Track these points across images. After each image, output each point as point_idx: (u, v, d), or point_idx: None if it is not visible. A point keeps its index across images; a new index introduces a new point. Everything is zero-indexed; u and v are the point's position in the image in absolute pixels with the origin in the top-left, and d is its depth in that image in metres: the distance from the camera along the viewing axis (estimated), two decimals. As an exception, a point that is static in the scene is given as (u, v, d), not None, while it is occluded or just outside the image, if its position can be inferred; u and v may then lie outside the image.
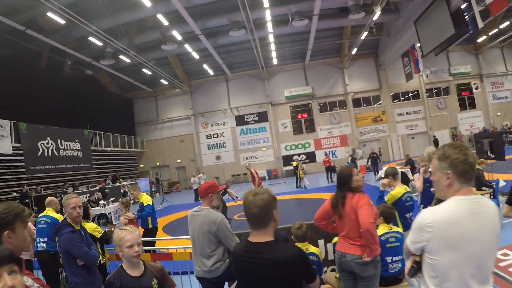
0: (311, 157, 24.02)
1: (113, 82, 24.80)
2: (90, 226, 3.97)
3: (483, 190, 7.00)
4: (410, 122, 24.13)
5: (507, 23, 21.79)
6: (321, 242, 3.72)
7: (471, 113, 24.83)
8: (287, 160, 24.30)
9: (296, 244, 3.10)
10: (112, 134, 22.82)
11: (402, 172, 10.83)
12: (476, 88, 25.55)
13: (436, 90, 24.87)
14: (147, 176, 23.64)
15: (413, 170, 11.60)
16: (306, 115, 24.32)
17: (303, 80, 24.58)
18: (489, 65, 25.92)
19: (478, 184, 7.01)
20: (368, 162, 17.88)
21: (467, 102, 25.21)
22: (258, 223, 1.70)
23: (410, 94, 24.58)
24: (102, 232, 4.12)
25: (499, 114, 25.47)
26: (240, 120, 25.14)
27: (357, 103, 24.30)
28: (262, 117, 24.77)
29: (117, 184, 18.19)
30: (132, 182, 19.01)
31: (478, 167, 6.96)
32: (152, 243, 5.52)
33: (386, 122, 23.93)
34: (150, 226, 5.66)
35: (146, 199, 5.76)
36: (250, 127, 24.96)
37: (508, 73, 26.45)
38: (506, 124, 24.61)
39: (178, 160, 26.59)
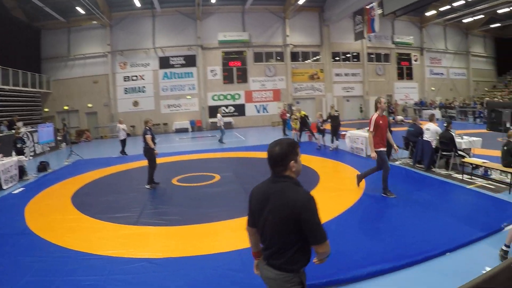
0: (240, 110, 21.67)
1: (19, 6, 20.04)
2: None
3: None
4: (347, 84, 22.87)
5: (462, 2, 21.26)
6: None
7: (408, 84, 24.37)
8: (214, 111, 21.71)
9: None
10: (12, 69, 18.31)
11: None
12: (416, 60, 25.15)
13: (376, 56, 23.88)
14: (52, 122, 19.27)
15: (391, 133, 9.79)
16: (239, 64, 21.79)
17: (240, 25, 21.94)
18: (430, 40, 25.69)
19: (509, 159, 6.12)
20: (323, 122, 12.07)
21: (405, 72, 24.68)
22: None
23: (351, 55, 23.26)
24: None
25: (433, 88, 25.41)
26: (165, 63, 21.83)
27: (295, 57, 22.37)
28: (190, 61, 21.72)
29: (13, 130, 13.89)
30: (33, 129, 14.94)
31: (510, 139, 6.22)
32: None
33: (323, 81, 22.39)
34: None
35: None
36: (175, 71, 21.78)
37: (447, 51, 26.52)
38: (447, 99, 24.38)
39: (89, 105, 22.65)
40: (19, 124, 14.82)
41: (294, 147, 1.85)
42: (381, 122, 5.71)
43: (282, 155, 1.81)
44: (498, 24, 25.77)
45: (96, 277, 3.49)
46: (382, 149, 5.75)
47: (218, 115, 14.88)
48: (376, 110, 5.79)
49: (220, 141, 14.63)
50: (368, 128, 6.00)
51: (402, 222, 4.76)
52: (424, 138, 7.82)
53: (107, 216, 5.52)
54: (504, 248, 3.59)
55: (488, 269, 3.08)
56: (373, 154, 5.75)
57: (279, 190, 1.81)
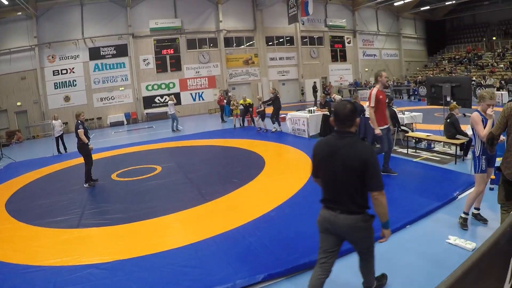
0: (175, 99, 21.49)
1: None
2: None
3: (458, 139, 6.34)
4: (282, 68, 23.43)
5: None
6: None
7: (342, 66, 25.32)
8: (149, 102, 21.54)
9: None
10: None
11: (324, 114, 9.72)
12: (349, 43, 26.16)
13: (310, 39, 24.58)
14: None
15: (331, 113, 10.09)
16: (172, 51, 21.63)
17: (172, 11, 21.70)
18: (362, 23, 26.75)
19: (453, 131, 6.36)
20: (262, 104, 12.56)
21: (339, 54, 25.62)
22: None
23: (284, 39, 23.80)
24: None
25: (366, 70, 26.60)
26: (95, 54, 21.20)
27: (229, 42, 22.54)
28: (121, 50, 21.27)
29: None
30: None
31: (452, 112, 6.40)
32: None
33: (258, 65, 22.78)
34: None
35: None
36: (106, 62, 21.25)
37: (379, 33, 27.77)
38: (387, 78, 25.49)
39: (18, 103, 21.57)
40: None
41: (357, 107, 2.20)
42: (381, 97, 5.29)
43: (352, 112, 2.15)
44: (427, 7, 27.28)
45: (40, 292, 3.09)
46: (383, 126, 5.40)
47: (170, 102, 14.62)
48: (376, 84, 5.43)
49: (176, 129, 14.56)
50: (368, 103, 5.49)
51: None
52: (366, 116, 7.77)
53: (45, 221, 5.08)
54: (463, 215, 3.70)
55: (451, 237, 3.45)
56: (377, 131, 5.32)
57: (348, 144, 2.13)
